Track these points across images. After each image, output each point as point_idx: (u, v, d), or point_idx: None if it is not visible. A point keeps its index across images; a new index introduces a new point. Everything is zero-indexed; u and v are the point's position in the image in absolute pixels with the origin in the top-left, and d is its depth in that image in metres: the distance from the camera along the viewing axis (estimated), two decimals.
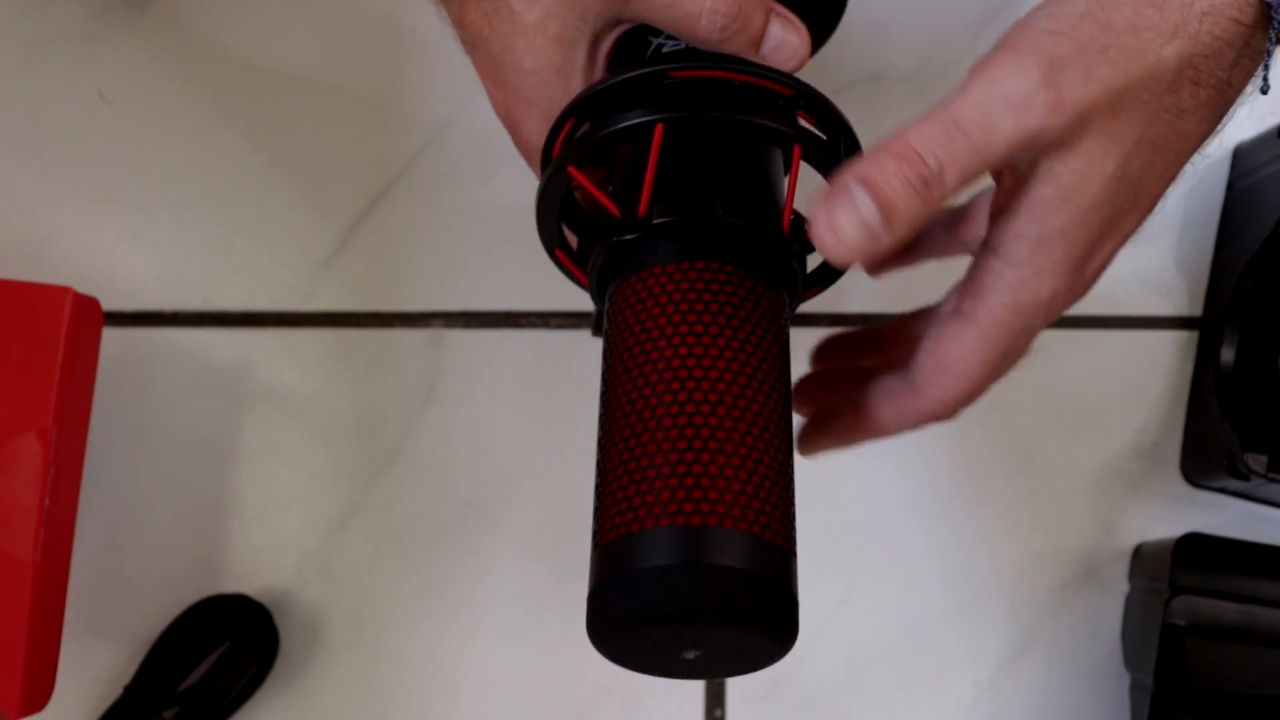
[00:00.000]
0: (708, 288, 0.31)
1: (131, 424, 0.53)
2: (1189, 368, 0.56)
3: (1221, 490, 0.54)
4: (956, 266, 0.35)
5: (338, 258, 0.55)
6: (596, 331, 0.40)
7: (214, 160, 0.55)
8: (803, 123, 0.34)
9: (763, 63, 0.33)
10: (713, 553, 0.27)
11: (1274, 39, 0.31)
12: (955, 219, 0.38)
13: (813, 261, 0.36)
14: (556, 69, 0.34)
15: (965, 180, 0.30)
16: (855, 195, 0.29)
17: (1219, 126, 0.32)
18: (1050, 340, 0.56)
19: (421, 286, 0.55)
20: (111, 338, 0.52)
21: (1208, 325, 0.55)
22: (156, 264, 0.54)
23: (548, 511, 0.54)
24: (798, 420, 0.36)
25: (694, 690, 0.54)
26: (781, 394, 0.31)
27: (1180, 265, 0.57)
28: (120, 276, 0.54)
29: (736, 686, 0.54)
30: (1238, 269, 0.53)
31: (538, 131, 0.35)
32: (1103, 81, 0.29)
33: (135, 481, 0.53)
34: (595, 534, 0.29)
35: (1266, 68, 0.31)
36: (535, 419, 0.55)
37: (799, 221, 0.34)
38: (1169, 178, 0.32)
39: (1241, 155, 0.56)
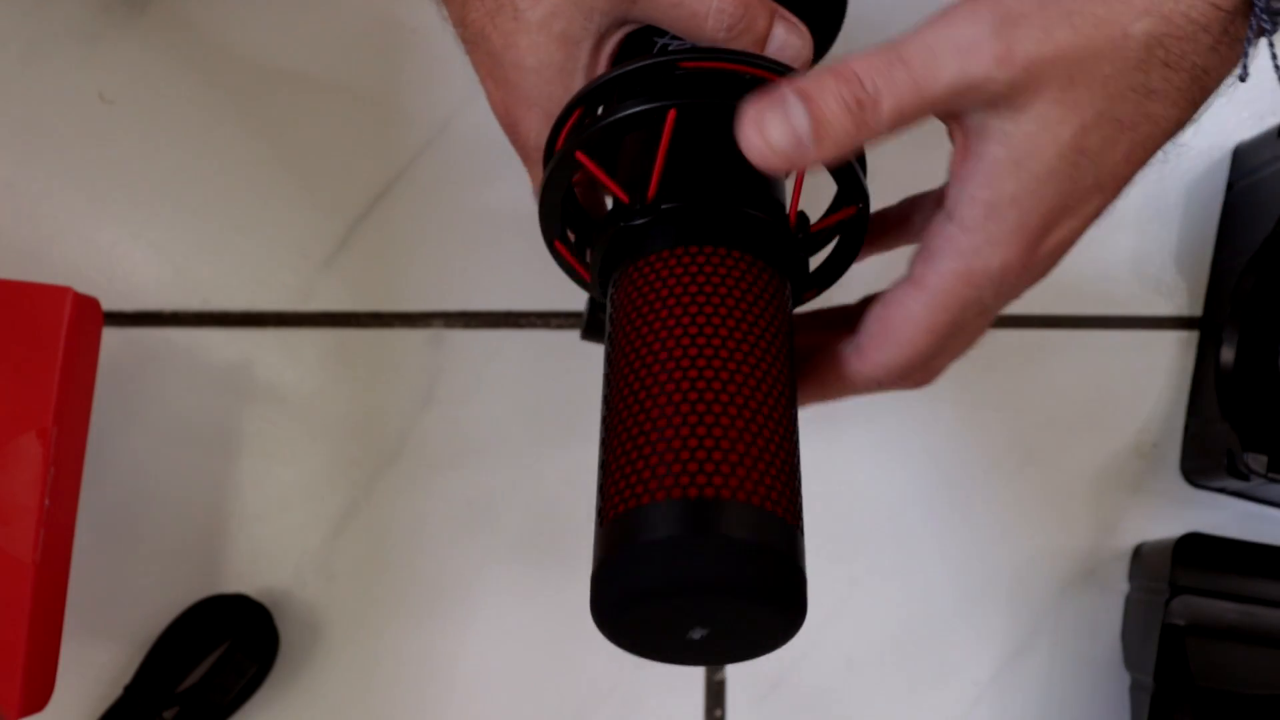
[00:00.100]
0: (716, 271, 0.30)
1: (132, 424, 0.53)
2: (1189, 368, 0.56)
3: (1221, 490, 0.54)
4: None
5: (338, 257, 0.55)
6: (585, 335, 0.40)
7: (214, 160, 0.55)
8: None
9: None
10: (721, 524, 0.27)
11: (1254, 28, 0.30)
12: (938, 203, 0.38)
13: (813, 263, 0.36)
14: (559, 67, 0.34)
15: (901, 114, 0.29)
16: (789, 103, 0.29)
17: (1195, 115, 0.31)
18: (1050, 340, 0.56)
19: (421, 286, 0.55)
20: (111, 338, 0.52)
21: (1208, 325, 0.55)
22: (156, 264, 0.54)
23: (547, 512, 0.54)
24: None
25: (694, 690, 0.54)
26: (788, 378, 0.31)
27: (1180, 265, 0.57)
28: (120, 276, 0.54)
29: (736, 686, 0.54)
30: (1238, 269, 0.53)
31: (536, 130, 0.35)
32: (1059, 44, 0.29)
33: (135, 482, 0.53)
34: (600, 510, 0.29)
35: (1246, 55, 0.30)
36: (535, 419, 0.55)
37: (804, 218, 0.34)
38: (1136, 161, 0.31)
39: (1241, 155, 0.56)
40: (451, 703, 0.53)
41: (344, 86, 0.56)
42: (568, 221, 0.36)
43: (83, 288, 0.45)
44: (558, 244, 0.36)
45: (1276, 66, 0.31)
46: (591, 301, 0.40)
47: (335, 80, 0.56)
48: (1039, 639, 0.55)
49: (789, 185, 0.34)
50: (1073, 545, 0.55)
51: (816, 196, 0.35)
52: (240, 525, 0.53)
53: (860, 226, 0.35)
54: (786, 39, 0.34)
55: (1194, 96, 0.31)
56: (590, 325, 0.40)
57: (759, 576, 0.27)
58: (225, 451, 0.54)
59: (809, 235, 0.34)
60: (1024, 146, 0.30)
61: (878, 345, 0.33)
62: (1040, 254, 0.32)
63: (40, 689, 0.44)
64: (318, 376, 0.54)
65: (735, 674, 0.54)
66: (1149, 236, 0.57)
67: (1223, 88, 0.31)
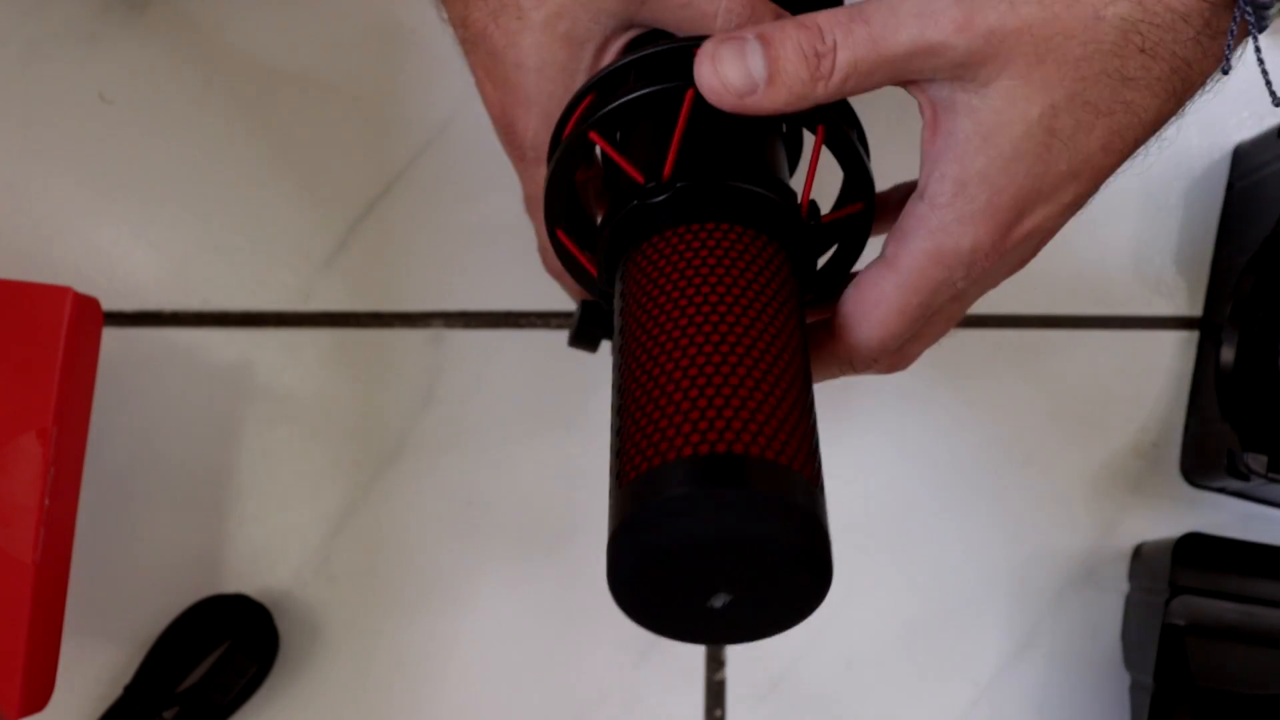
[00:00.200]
0: (734, 246, 0.30)
1: (131, 424, 0.53)
2: (1189, 368, 0.56)
3: (1221, 490, 0.54)
4: None
5: (338, 257, 0.55)
6: (573, 342, 0.40)
7: (214, 160, 0.55)
8: None
9: None
10: (745, 479, 0.26)
11: (1237, 20, 0.29)
12: None
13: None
14: (561, 67, 0.34)
15: (856, 68, 0.30)
16: (749, 45, 0.30)
17: (1179, 109, 0.31)
18: (1050, 340, 0.56)
19: (421, 286, 0.55)
20: (111, 338, 0.52)
21: (1208, 325, 0.55)
22: (156, 264, 0.54)
23: (548, 512, 0.54)
24: None
25: (694, 690, 0.54)
26: (804, 349, 0.30)
27: (1180, 265, 0.57)
28: (120, 276, 0.54)
29: (736, 686, 0.54)
30: (1238, 269, 0.53)
31: (534, 130, 0.35)
32: (1025, 19, 0.29)
33: (135, 481, 0.53)
34: (617, 474, 0.28)
35: (1229, 49, 0.30)
36: (535, 419, 0.55)
37: (815, 207, 0.34)
38: (1115, 150, 0.31)
39: (1241, 155, 0.56)
40: (452, 703, 0.53)
41: (344, 86, 0.56)
42: (568, 221, 0.36)
43: (83, 288, 0.45)
44: (559, 232, 0.36)
45: (1263, 67, 0.31)
46: (582, 307, 0.39)
47: (335, 80, 0.56)
48: (1039, 639, 0.55)
49: (796, 184, 0.34)
50: (1073, 545, 0.55)
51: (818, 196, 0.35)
52: (240, 525, 0.53)
53: (863, 227, 0.35)
54: None
55: (1175, 88, 0.30)
56: (579, 333, 0.39)
57: (784, 531, 0.26)
58: (225, 452, 0.54)
59: (819, 225, 0.34)
60: (991, 121, 0.30)
61: (850, 326, 0.33)
62: (1013, 239, 0.32)
63: (40, 689, 0.44)
64: (318, 376, 0.54)
65: (735, 674, 0.54)
66: (1149, 237, 0.57)
67: (1210, 83, 0.31)
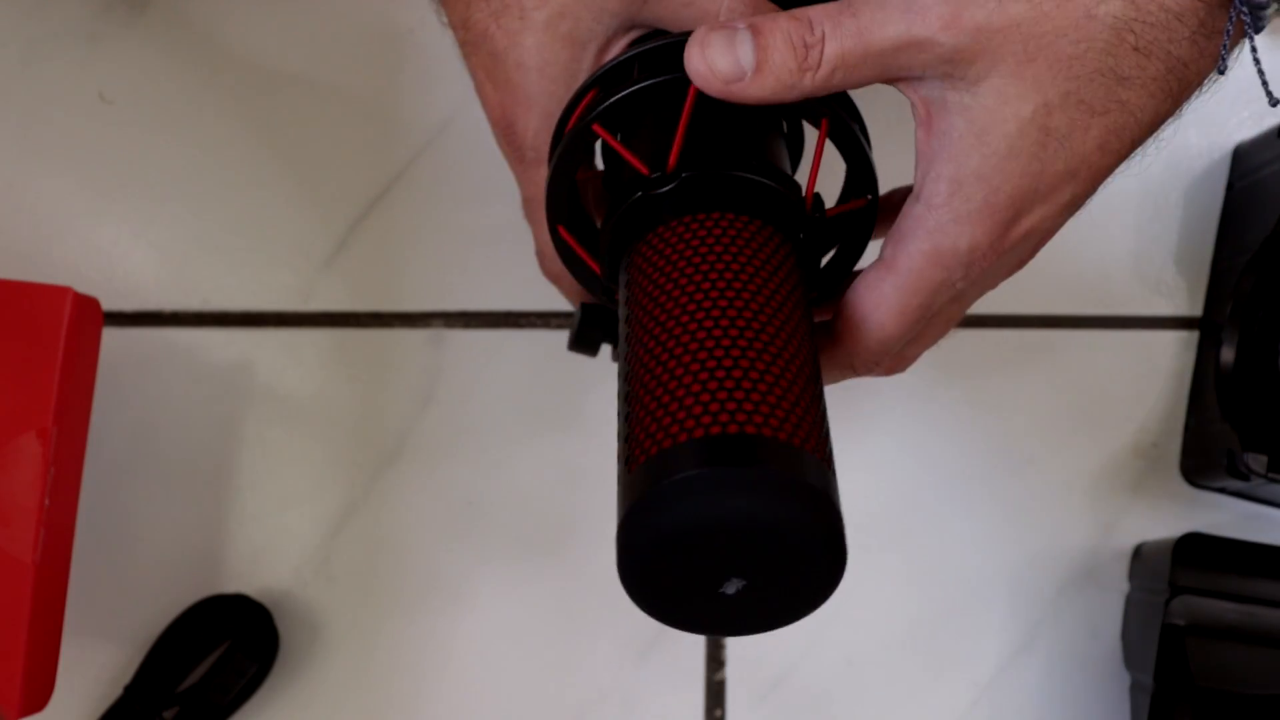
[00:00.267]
0: (740, 234, 0.30)
1: (131, 424, 0.53)
2: (1189, 368, 0.56)
3: (1221, 490, 0.54)
4: None
5: (338, 258, 0.55)
6: (574, 346, 0.40)
7: (214, 160, 0.55)
8: None
9: None
10: (757, 459, 0.25)
11: (1233, 20, 0.29)
12: None
13: None
14: (563, 66, 0.34)
15: (844, 60, 0.30)
16: (739, 33, 0.30)
17: (1176, 109, 0.31)
18: (1050, 340, 0.56)
19: (421, 286, 0.55)
20: (111, 338, 0.52)
21: (1208, 325, 0.55)
22: (156, 264, 0.54)
23: (547, 511, 0.54)
24: None
25: (694, 690, 0.54)
26: (812, 341, 0.30)
27: (1180, 265, 0.57)
28: (120, 276, 0.54)
29: (736, 686, 0.54)
30: (1238, 269, 0.53)
31: (534, 130, 0.35)
32: (1014, 16, 0.29)
33: (135, 481, 0.53)
34: (626, 459, 0.28)
35: (1225, 50, 0.30)
36: (535, 419, 0.55)
37: (819, 200, 0.34)
38: (1112, 150, 0.31)
39: (1241, 155, 0.56)
40: (451, 703, 0.53)
41: (344, 87, 0.56)
42: (569, 221, 0.36)
43: (83, 288, 0.45)
44: (561, 229, 0.36)
45: (1259, 67, 0.30)
46: (582, 310, 0.39)
47: (335, 80, 0.56)
48: (1039, 639, 0.55)
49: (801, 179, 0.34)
50: (1073, 545, 0.55)
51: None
52: (240, 525, 0.53)
53: (867, 223, 0.35)
54: None
55: (1171, 88, 0.30)
56: (579, 336, 0.39)
57: (799, 511, 0.26)
58: (225, 452, 0.54)
59: (824, 218, 0.34)
60: (983, 120, 0.30)
61: (850, 329, 0.33)
62: (1011, 238, 0.31)
63: (40, 689, 0.44)
64: (318, 376, 0.54)
65: (735, 674, 0.54)
66: (1149, 236, 0.57)
67: (1207, 84, 0.31)
